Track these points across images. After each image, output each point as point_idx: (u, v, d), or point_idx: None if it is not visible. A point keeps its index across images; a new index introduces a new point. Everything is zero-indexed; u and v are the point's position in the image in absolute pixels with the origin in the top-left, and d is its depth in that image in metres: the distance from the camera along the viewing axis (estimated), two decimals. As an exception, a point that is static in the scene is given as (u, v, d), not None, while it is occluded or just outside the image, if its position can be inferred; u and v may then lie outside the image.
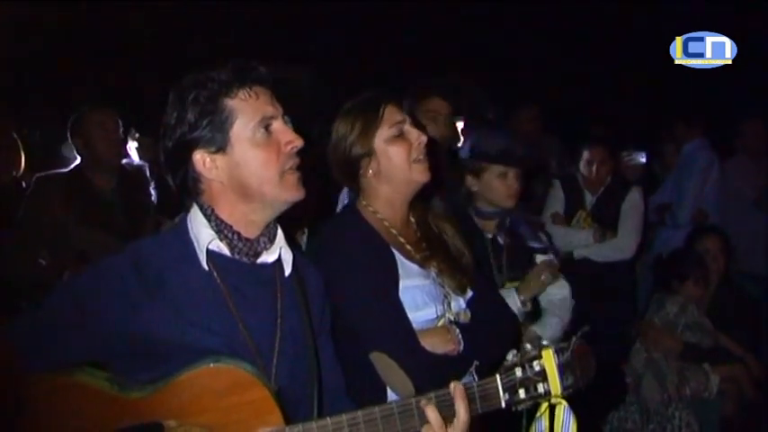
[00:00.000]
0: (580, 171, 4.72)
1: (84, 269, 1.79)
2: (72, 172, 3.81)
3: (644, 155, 5.42)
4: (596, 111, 6.61)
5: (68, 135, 3.83)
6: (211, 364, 1.57)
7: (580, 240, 4.57)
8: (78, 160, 3.84)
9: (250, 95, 1.69)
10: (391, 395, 2.07)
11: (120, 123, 3.89)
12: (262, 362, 1.68)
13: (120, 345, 1.63)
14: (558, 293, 3.08)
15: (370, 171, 2.20)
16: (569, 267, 4.58)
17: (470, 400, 1.67)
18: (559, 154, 5.88)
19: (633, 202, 4.58)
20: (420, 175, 2.20)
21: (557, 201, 4.72)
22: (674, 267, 4.41)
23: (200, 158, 1.69)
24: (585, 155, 4.67)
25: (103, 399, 1.59)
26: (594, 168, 4.64)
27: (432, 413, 1.61)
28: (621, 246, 4.53)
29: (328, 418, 1.59)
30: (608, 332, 4.20)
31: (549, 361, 1.68)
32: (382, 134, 2.18)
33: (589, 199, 4.69)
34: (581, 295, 4.37)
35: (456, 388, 1.64)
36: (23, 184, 4.28)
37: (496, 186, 2.93)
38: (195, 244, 1.70)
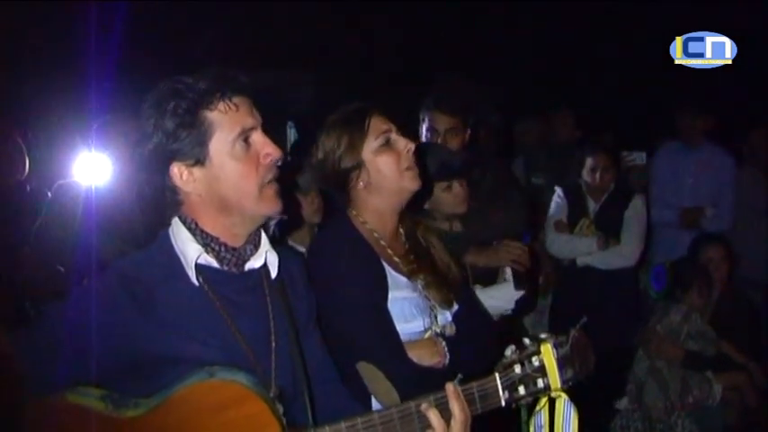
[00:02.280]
0: (583, 178, 4.72)
1: (73, 292, 1.77)
2: (92, 180, 3.81)
3: (644, 155, 5.39)
4: (598, 112, 6.59)
5: (91, 143, 3.84)
6: (206, 380, 1.54)
7: (583, 248, 4.56)
8: (98, 168, 3.84)
9: (230, 108, 1.65)
10: (375, 405, 2.07)
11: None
12: (261, 367, 1.67)
13: (116, 364, 1.62)
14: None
15: (361, 183, 2.20)
16: (572, 275, 4.65)
17: (470, 401, 1.66)
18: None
19: (636, 209, 4.57)
20: (411, 182, 2.19)
21: (560, 208, 4.71)
22: (677, 276, 4.41)
23: (178, 171, 1.66)
24: (589, 162, 4.65)
25: (98, 420, 1.55)
26: (598, 175, 4.63)
27: (434, 416, 1.60)
28: (625, 253, 4.51)
29: (327, 427, 1.58)
30: (610, 340, 4.22)
31: (547, 355, 1.68)
32: (370, 145, 2.17)
33: (592, 206, 4.68)
34: (584, 302, 4.41)
35: (449, 389, 1.63)
36: (28, 188, 4.29)
37: (444, 198, 3.01)
38: (182, 259, 1.67)
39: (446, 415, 1.62)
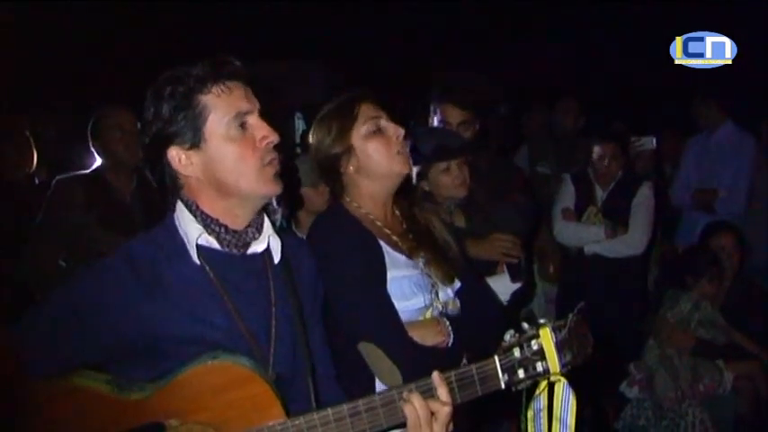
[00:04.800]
0: (591, 166, 4.68)
1: (79, 273, 1.79)
2: (92, 174, 3.83)
3: (653, 140, 5.34)
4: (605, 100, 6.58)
5: (88, 137, 3.85)
6: (209, 362, 1.57)
7: (591, 236, 4.54)
8: (98, 161, 3.86)
9: (224, 91, 1.68)
10: (379, 385, 2.08)
11: (138, 124, 3.89)
12: (260, 351, 1.69)
13: (121, 345, 1.64)
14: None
15: (351, 167, 2.22)
16: (580, 263, 4.63)
17: (469, 383, 1.67)
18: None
19: (644, 197, 4.53)
20: (401, 166, 2.21)
21: (567, 196, 4.70)
22: (688, 264, 4.37)
23: (176, 155, 1.69)
24: (597, 150, 4.63)
25: (104, 402, 1.58)
26: (605, 163, 4.61)
27: (416, 400, 1.60)
28: (632, 241, 4.48)
29: (314, 414, 1.59)
30: (619, 327, 4.20)
31: (546, 339, 1.68)
32: (359, 131, 2.19)
33: (600, 194, 4.66)
34: (592, 291, 4.39)
35: (435, 376, 1.64)
36: (36, 181, 4.32)
37: (444, 181, 3.00)
38: (185, 239, 1.70)
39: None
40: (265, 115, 1.76)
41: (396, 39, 7.13)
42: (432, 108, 3.55)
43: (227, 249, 1.73)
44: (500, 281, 3.01)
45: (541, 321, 1.72)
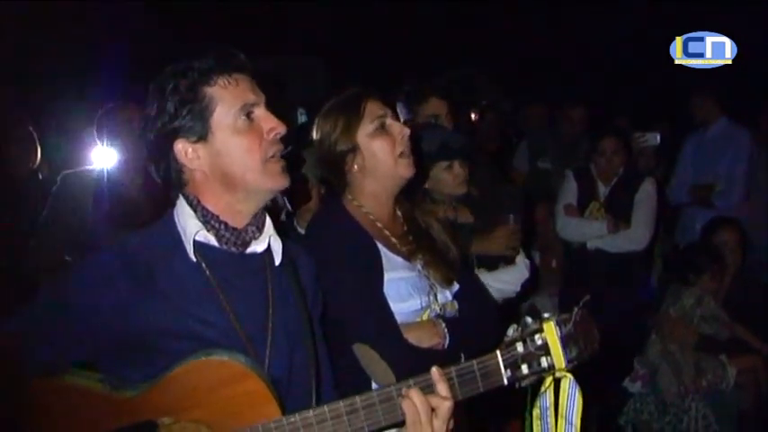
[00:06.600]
0: (593, 161, 4.68)
1: (71, 268, 1.77)
2: (99, 169, 3.79)
3: (657, 136, 5.32)
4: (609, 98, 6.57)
5: (95, 132, 3.84)
6: (203, 358, 1.53)
7: (593, 231, 4.53)
8: (105, 156, 3.83)
9: (230, 83, 1.66)
10: (375, 388, 2.04)
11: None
12: (254, 352, 1.65)
13: (113, 342, 1.61)
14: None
15: (356, 166, 2.21)
16: (583, 258, 4.62)
17: (471, 379, 1.62)
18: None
19: (646, 192, 4.52)
20: (405, 169, 2.21)
21: (570, 192, 4.68)
22: (690, 260, 4.37)
23: (182, 148, 1.67)
24: (599, 145, 4.62)
25: (97, 399, 1.56)
26: (608, 159, 4.59)
27: (416, 396, 1.55)
28: (635, 237, 4.47)
29: (311, 411, 1.55)
30: (622, 323, 4.19)
31: (550, 334, 1.63)
32: (365, 129, 2.19)
33: (602, 190, 4.64)
34: (595, 285, 4.39)
35: (434, 372, 1.59)
36: (40, 176, 4.31)
37: (445, 179, 3.01)
38: (182, 235, 1.68)
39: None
40: (271, 107, 1.74)
41: (399, 35, 7.11)
42: (405, 107, 3.52)
43: (225, 247, 1.70)
44: (511, 272, 3.03)
45: (545, 315, 1.66)
